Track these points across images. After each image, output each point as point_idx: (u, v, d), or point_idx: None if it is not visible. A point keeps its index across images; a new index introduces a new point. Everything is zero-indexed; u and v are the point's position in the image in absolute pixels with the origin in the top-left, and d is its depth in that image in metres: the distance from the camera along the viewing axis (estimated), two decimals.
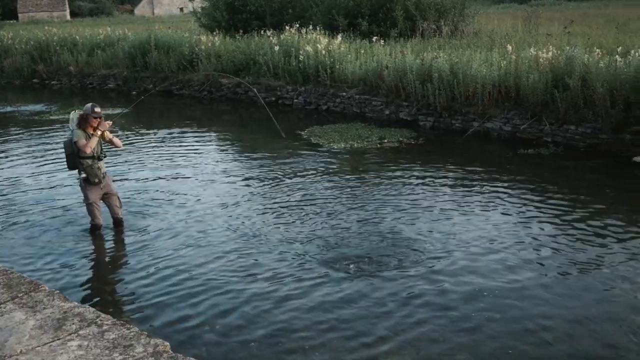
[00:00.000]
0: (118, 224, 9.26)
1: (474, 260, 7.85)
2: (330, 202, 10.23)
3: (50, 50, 28.80)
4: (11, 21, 64.66)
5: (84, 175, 8.76)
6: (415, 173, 11.83)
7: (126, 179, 11.90)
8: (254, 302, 6.94)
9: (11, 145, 15.83)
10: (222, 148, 15.47)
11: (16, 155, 14.57)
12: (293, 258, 8.08)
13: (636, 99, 12.05)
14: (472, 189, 10.77)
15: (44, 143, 15.83)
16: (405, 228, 8.95)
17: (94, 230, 9.09)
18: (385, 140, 14.43)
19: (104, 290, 7.69)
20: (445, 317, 6.52)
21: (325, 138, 14.88)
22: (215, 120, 19.24)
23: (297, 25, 22.07)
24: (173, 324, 6.54)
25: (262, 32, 23.43)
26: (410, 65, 16.19)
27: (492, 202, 10.07)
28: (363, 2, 23.77)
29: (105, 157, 9.05)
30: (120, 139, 9.80)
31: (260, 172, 12.30)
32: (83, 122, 8.67)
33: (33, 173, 12.69)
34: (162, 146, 15.13)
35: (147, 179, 12.04)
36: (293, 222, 9.39)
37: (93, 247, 8.89)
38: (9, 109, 22.28)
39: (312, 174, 11.93)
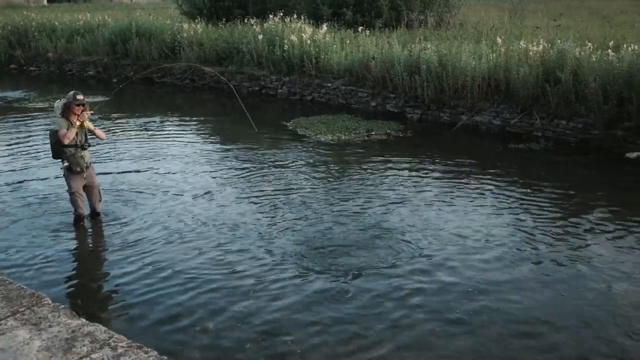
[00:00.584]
0: (95, 216, 9.09)
1: (467, 256, 7.73)
2: (319, 195, 10.02)
3: (29, 35, 28.11)
4: None
5: (66, 163, 8.60)
6: (405, 166, 11.65)
7: (106, 170, 11.53)
8: (243, 301, 6.72)
9: None
10: (206, 138, 15.14)
11: None
12: (280, 252, 7.88)
13: (629, 95, 11.92)
14: (462, 182, 10.63)
15: (25, 131, 15.38)
16: (396, 222, 8.78)
17: (78, 221, 8.90)
18: (373, 133, 14.21)
19: (88, 287, 7.41)
20: (443, 317, 6.36)
21: (311, 129, 14.61)
22: (198, 109, 18.84)
23: (281, 14, 21.72)
24: (162, 325, 6.28)
25: (245, 20, 23.05)
26: (398, 57, 15.96)
27: (483, 195, 9.96)
28: None
29: (89, 146, 8.88)
30: (102, 131, 9.50)
31: (246, 163, 12.00)
32: (66, 111, 8.50)
33: (11, 162, 12.32)
34: (143, 135, 14.76)
35: (128, 169, 11.73)
36: (280, 215, 9.18)
37: (74, 240, 8.62)
38: None
39: (298, 166, 11.69)
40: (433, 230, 8.51)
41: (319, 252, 7.92)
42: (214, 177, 11.17)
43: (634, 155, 11.65)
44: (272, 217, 9.08)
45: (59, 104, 8.64)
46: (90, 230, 8.92)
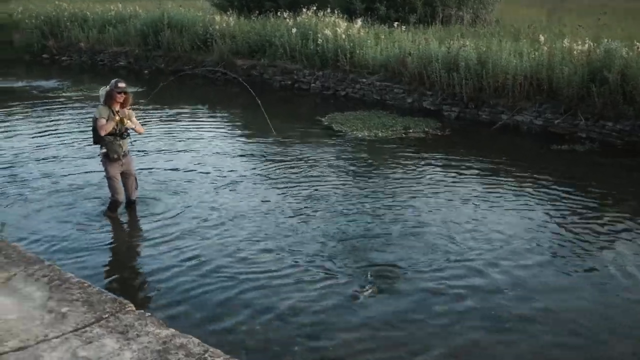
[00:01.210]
0: (130, 204, 9.07)
1: (512, 257, 7.55)
2: (360, 191, 9.85)
3: (61, 25, 28.10)
4: None
5: (104, 150, 8.57)
6: (445, 164, 11.42)
7: (140, 160, 11.40)
8: (286, 301, 6.54)
9: (30, 121, 15.36)
10: (242, 130, 14.95)
11: (35, 131, 14.10)
12: (320, 251, 7.71)
13: None
14: (503, 181, 10.43)
15: (62, 120, 15.34)
16: (438, 221, 8.60)
17: (114, 207, 8.88)
18: (411, 130, 13.92)
19: (128, 280, 7.29)
20: (496, 321, 6.16)
21: (347, 125, 14.34)
22: (228, 102, 18.63)
23: (315, 8, 21.46)
24: (207, 324, 6.11)
25: (277, 13, 22.83)
26: (436, 53, 15.66)
27: (526, 195, 9.74)
28: None
29: (128, 136, 8.80)
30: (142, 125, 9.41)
31: (284, 158, 11.78)
32: (108, 99, 8.45)
33: (57, 150, 12.34)
34: (175, 127, 14.63)
35: (159, 160, 11.69)
36: (321, 211, 9.00)
37: (110, 231, 8.57)
38: (19, 83, 21.68)
39: (337, 163, 11.49)
40: (475, 232, 8.28)
41: (360, 250, 7.73)
42: (251, 171, 11.01)
43: None
44: (311, 217, 8.85)
45: (102, 91, 8.58)
46: (123, 221, 8.87)
